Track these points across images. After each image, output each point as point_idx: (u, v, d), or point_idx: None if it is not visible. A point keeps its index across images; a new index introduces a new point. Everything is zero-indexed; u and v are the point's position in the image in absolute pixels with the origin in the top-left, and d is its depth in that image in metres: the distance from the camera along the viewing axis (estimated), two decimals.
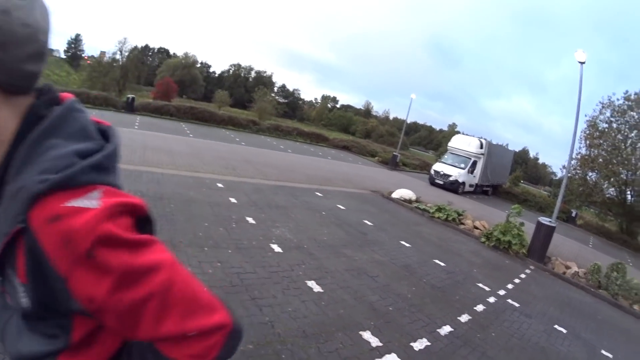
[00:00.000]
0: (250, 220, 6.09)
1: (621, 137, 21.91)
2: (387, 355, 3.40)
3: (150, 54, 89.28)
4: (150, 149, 10.13)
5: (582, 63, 10.01)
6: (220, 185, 7.87)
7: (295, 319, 3.54)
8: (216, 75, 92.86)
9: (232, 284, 3.84)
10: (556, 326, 5.61)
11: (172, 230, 4.73)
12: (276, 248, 5.19)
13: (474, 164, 22.30)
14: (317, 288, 4.33)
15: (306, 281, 4.44)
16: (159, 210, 5.35)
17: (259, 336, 3.13)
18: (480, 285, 6.34)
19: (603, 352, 5.30)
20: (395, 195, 12.36)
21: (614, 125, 22.40)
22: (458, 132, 36.47)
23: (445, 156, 23.56)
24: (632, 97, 21.71)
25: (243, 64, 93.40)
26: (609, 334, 6.14)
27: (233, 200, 7.01)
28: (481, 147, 22.73)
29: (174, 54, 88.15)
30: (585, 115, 24.02)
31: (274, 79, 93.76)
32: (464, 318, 4.79)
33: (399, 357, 3.43)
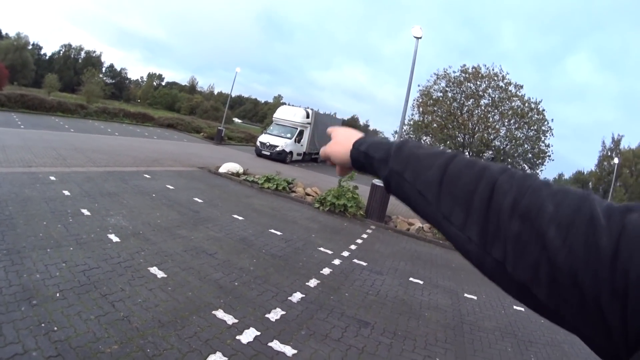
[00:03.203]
0: (85, 212, 5.88)
1: (457, 105, 25.34)
2: (246, 331, 3.49)
3: None
4: None
5: (418, 38, 11.42)
6: (52, 178, 7.49)
7: (147, 310, 3.49)
8: (47, 57, 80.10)
9: (80, 283, 3.71)
10: (411, 279, 5.99)
11: (14, 236, 4.46)
12: (114, 238, 5.06)
13: (301, 133, 23.04)
14: (160, 274, 4.31)
15: (149, 268, 4.39)
16: None
17: (119, 335, 3.05)
18: (322, 249, 6.64)
19: (466, 295, 5.80)
20: (222, 169, 12.38)
21: (449, 94, 25.76)
22: (284, 104, 37.89)
23: (271, 127, 23.91)
24: (470, 70, 25.17)
25: (74, 44, 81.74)
26: (467, 279, 6.59)
27: (66, 192, 6.69)
28: (307, 117, 23.55)
29: (6, 34, 71.85)
30: (419, 85, 27.29)
31: (102, 59, 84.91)
32: (313, 283, 5.02)
33: (257, 330, 3.53)
